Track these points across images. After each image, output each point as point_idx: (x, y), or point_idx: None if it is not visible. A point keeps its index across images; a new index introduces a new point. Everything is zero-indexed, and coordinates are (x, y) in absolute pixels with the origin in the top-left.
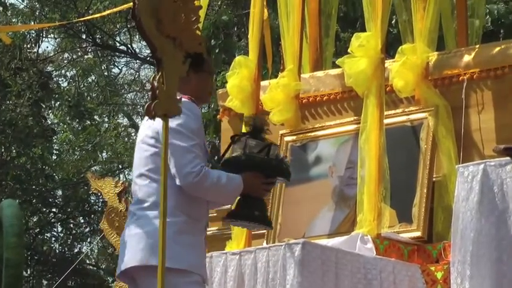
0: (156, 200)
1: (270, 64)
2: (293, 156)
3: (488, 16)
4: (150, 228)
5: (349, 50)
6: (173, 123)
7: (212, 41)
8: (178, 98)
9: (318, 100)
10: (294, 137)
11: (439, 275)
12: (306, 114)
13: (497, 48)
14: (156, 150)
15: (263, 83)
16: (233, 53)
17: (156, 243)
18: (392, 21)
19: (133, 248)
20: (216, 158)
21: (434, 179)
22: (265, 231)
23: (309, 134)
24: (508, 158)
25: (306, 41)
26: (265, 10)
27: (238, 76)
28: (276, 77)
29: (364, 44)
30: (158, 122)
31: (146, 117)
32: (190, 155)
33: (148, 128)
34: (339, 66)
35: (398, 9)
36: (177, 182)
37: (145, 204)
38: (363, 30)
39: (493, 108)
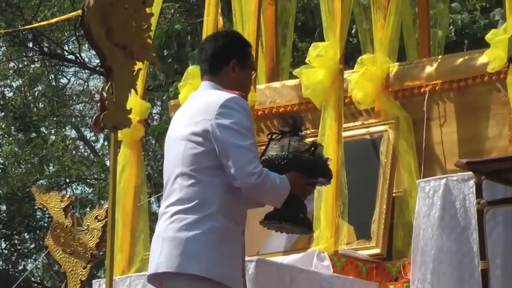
0: (200, 202)
1: None
2: None
3: (451, 26)
4: (190, 233)
5: (306, 60)
6: (226, 121)
7: (165, 51)
8: (226, 92)
9: (274, 112)
10: None
11: None
12: (262, 127)
13: (461, 59)
14: (205, 149)
15: None
16: (186, 63)
17: (196, 251)
18: (352, 31)
19: (170, 253)
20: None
21: (394, 194)
22: (301, 235)
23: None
24: (470, 172)
25: (261, 51)
26: (220, 18)
27: (192, 87)
28: None
29: (323, 54)
30: (206, 119)
31: (182, 110)
32: (251, 155)
33: (195, 124)
34: (296, 77)
35: (358, 18)
36: (236, 183)
37: (187, 206)
38: (322, 39)
39: (455, 120)
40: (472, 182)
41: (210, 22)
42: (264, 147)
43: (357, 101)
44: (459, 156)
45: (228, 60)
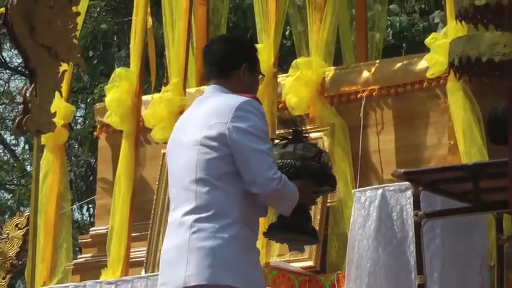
0: (220, 210)
1: (153, 77)
2: None
3: (389, 29)
4: (216, 242)
5: None
6: (243, 124)
7: (90, 51)
8: (240, 96)
9: None
10: None
11: None
12: None
13: (399, 64)
14: (221, 154)
15: (145, 98)
16: (112, 64)
17: (227, 261)
18: (286, 33)
19: (199, 264)
20: None
21: (328, 204)
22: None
23: None
24: (408, 182)
25: (192, 53)
26: (149, 18)
27: (118, 89)
28: (159, 91)
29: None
30: (221, 122)
31: (189, 115)
32: (270, 160)
33: (208, 128)
34: None
35: (292, 20)
36: (255, 189)
37: (207, 214)
38: (254, 41)
39: (393, 128)
40: (409, 193)
41: (139, 22)
42: None
43: (291, 106)
44: (396, 165)
45: (240, 63)
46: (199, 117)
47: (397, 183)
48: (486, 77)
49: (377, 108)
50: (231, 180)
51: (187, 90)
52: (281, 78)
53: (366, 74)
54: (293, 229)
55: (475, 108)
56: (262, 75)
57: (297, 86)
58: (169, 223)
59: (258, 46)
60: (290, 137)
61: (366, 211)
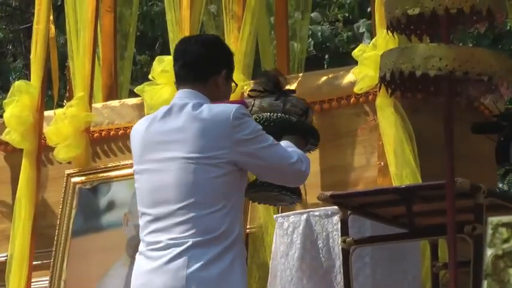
0: (222, 232)
1: (55, 90)
2: (81, 201)
3: (310, 39)
4: (218, 270)
5: (150, 76)
6: (245, 132)
7: None
8: (226, 104)
9: (112, 134)
10: (83, 178)
11: None
12: (98, 151)
13: (324, 78)
14: (220, 172)
15: (47, 113)
16: (7, 76)
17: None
18: None
19: None
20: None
21: (248, 230)
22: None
23: (101, 175)
24: (335, 207)
25: (98, 64)
26: (52, 27)
27: (18, 104)
28: (62, 106)
29: (168, 70)
30: (221, 136)
31: (164, 124)
32: (280, 149)
33: (204, 143)
34: (137, 95)
35: (207, 28)
36: (290, 184)
37: (207, 237)
38: (163, 52)
39: (318, 148)
40: (336, 218)
41: (41, 31)
42: (91, 176)
43: None
44: (322, 188)
45: (220, 70)
46: (187, 129)
47: (322, 208)
48: (420, 93)
49: None
50: (228, 197)
51: (93, 105)
52: None
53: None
54: (280, 186)
55: (407, 126)
56: (236, 84)
57: None
58: (147, 243)
59: (170, 57)
60: (276, 90)
61: (289, 238)
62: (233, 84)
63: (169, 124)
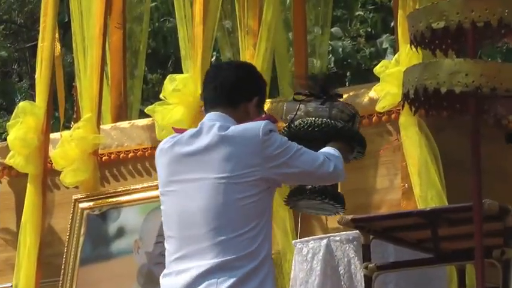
0: (254, 250)
1: (61, 112)
2: (90, 228)
3: (331, 55)
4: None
5: (161, 96)
6: (271, 149)
7: None
8: (255, 121)
9: (121, 157)
10: (91, 203)
11: None
12: (107, 175)
13: (344, 96)
14: (252, 192)
15: (53, 136)
16: (12, 97)
17: None
18: (212, 59)
19: None
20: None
21: None
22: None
23: (110, 200)
24: (356, 231)
25: (106, 84)
26: (58, 44)
27: (23, 126)
28: (69, 128)
29: (181, 89)
30: (251, 153)
31: (192, 146)
32: (307, 152)
33: (234, 163)
34: (148, 116)
35: (221, 45)
36: (320, 182)
37: (238, 257)
38: (176, 71)
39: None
40: (358, 243)
41: (46, 49)
42: (100, 201)
43: None
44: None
45: (252, 96)
46: (215, 149)
47: (343, 232)
48: (446, 110)
49: None
50: (258, 218)
51: (101, 126)
52: None
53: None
54: (326, 195)
55: (432, 146)
56: (265, 113)
57: None
58: (175, 268)
59: (182, 76)
60: (319, 94)
61: (309, 265)
62: (263, 114)
63: (196, 145)
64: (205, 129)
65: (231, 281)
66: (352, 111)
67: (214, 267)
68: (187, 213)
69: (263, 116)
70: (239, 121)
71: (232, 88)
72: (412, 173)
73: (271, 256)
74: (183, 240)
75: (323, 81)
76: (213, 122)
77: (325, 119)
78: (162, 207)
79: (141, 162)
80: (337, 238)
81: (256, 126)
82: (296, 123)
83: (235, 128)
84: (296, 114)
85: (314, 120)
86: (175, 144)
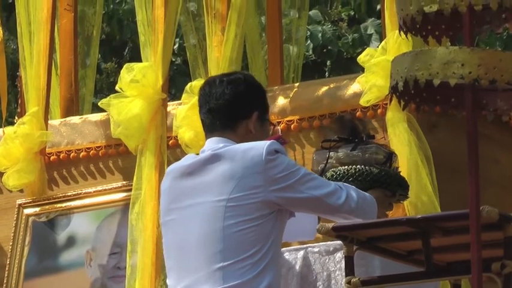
0: (252, 277)
1: (4, 105)
2: (36, 237)
3: (309, 41)
4: None
5: (117, 87)
6: (275, 171)
7: None
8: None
9: (72, 157)
10: (38, 209)
11: None
12: (55, 177)
13: (324, 88)
14: (251, 217)
15: None
16: None
17: None
18: (175, 46)
19: None
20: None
21: None
22: None
23: (59, 205)
24: (338, 241)
25: (55, 73)
26: (0, 30)
27: None
28: (13, 123)
29: (139, 79)
30: (253, 173)
31: (191, 174)
32: (321, 180)
33: (234, 186)
34: (102, 110)
35: (185, 30)
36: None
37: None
38: (134, 59)
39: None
40: (340, 254)
41: None
42: (47, 207)
43: (185, 142)
44: (322, 219)
45: (250, 113)
46: (213, 170)
47: (323, 243)
48: (439, 105)
49: (296, 144)
50: (260, 243)
51: (49, 122)
52: (172, 106)
53: (281, 101)
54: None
55: (423, 145)
56: (273, 124)
57: (193, 117)
58: None
59: (141, 65)
60: (353, 138)
61: (283, 280)
62: (270, 125)
63: (196, 170)
64: (205, 156)
65: None
66: (387, 151)
67: None
68: (185, 242)
69: (271, 136)
70: (242, 142)
71: (226, 111)
72: None
73: (279, 283)
74: (181, 271)
75: (351, 123)
76: (212, 148)
77: (359, 166)
78: (163, 239)
79: (94, 162)
80: (316, 249)
81: (260, 145)
82: (328, 174)
83: (238, 147)
84: (327, 163)
85: (347, 169)
86: (176, 170)
